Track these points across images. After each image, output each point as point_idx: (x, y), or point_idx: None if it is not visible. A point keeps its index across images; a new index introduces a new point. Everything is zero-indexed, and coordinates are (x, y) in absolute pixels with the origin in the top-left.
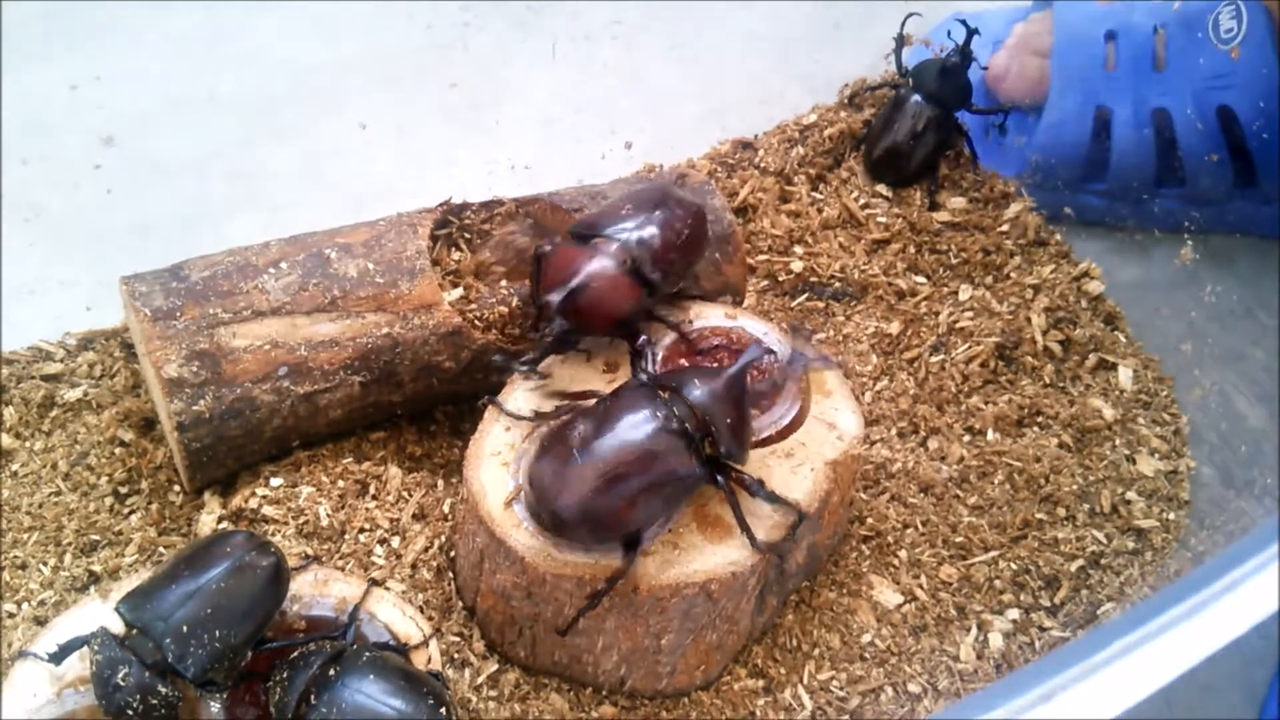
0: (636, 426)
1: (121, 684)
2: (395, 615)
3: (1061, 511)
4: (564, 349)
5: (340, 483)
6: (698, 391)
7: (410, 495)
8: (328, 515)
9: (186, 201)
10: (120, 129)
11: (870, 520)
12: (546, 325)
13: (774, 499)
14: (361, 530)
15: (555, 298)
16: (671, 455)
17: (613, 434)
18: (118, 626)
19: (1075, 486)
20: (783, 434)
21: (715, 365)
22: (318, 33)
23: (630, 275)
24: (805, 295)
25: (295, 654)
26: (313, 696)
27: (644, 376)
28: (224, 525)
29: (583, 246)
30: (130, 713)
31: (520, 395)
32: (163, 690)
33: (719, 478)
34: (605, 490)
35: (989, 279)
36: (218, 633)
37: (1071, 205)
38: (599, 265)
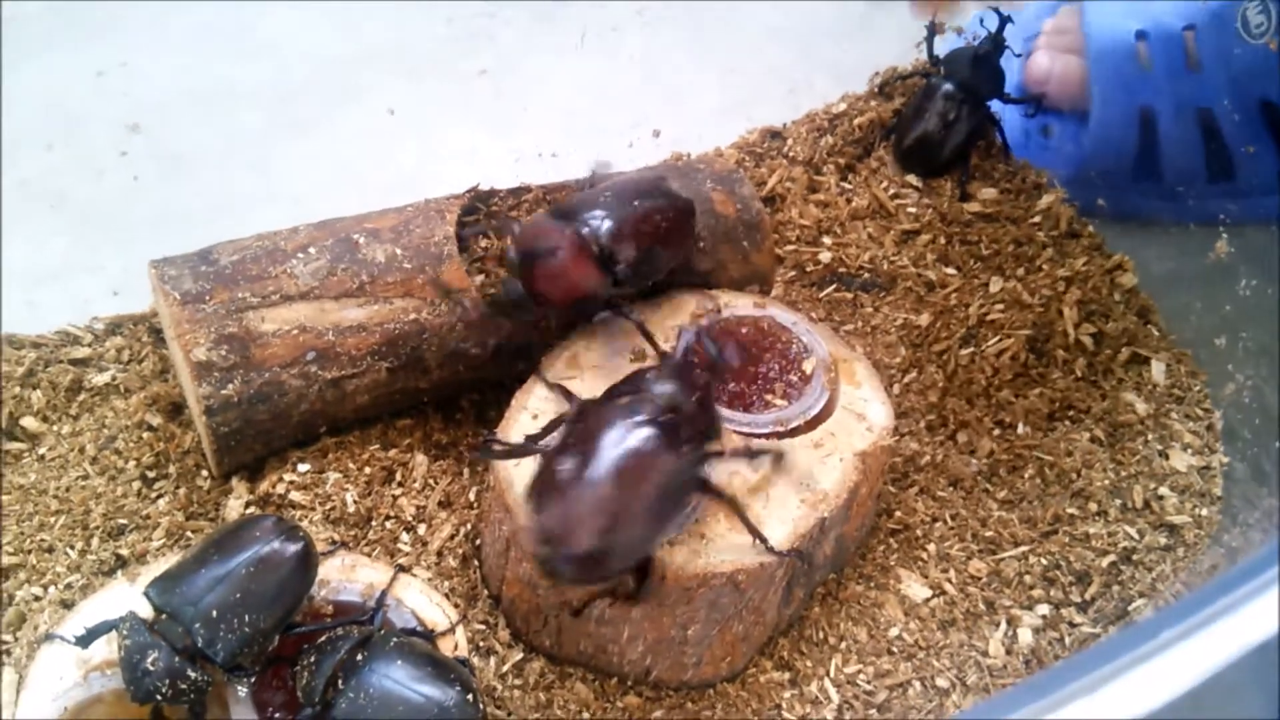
0: (621, 442)
1: (151, 669)
2: (422, 601)
3: (1093, 506)
4: (519, 314)
5: (367, 469)
6: (660, 385)
7: (436, 483)
8: (354, 502)
9: (211, 190)
10: (146, 117)
11: (898, 513)
12: (505, 283)
13: (754, 453)
14: (388, 517)
15: (513, 257)
16: (663, 456)
17: (600, 459)
18: (146, 611)
19: (1107, 481)
20: (811, 424)
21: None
22: (342, 23)
23: (592, 258)
24: (833, 286)
25: (323, 639)
26: (340, 681)
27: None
28: (251, 510)
29: (555, 222)
30: (159, 697)
31: (542, 390)
32: (192, 675)
33: (717, 486)
34: (617, 518)
35: (1020, 271)
36: (247, 618)
37: (1110, 200)
38: (561, 241)
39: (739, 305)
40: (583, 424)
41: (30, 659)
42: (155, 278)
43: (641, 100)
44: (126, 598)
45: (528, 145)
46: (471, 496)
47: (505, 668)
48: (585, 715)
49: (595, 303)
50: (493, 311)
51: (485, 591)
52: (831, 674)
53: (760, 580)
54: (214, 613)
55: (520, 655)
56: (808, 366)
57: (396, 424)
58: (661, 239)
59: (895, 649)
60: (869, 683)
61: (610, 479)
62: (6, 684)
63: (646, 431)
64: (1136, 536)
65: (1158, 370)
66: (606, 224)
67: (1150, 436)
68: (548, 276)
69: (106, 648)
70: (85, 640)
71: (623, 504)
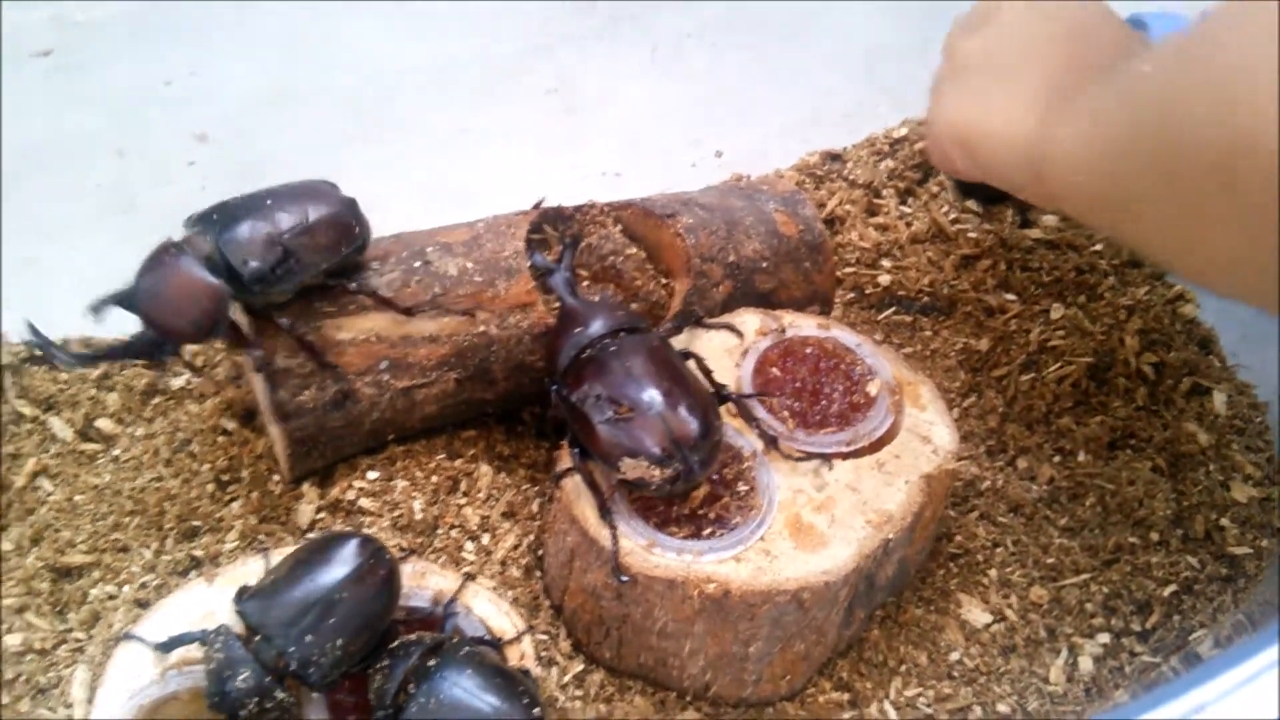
0: (643, 346)
1: (241, 686)
2: (491, 610)
3: (1154, 536)
4: (155, 356)
5: (434, 478)
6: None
7: (500, 494)
8: (422, 510)
9: None
10: (214, 126)
11: (958, 538)
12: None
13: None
14: (453, 526)
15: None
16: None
17: (632, 369)
18: (227, 617)
19: (1168, 511)
20: (876, 446)
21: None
22: (408, 37)
23: (209, 271)
24: (892, 309)
25: (396, 644)
26: (411, 686)
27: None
28: (322, 515)
29: (167, 245)
30: (243, 713)
31: None
32: (279, 696)
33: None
34: (684, 399)
35: (1082, 298)
36: (339, 641)
37: None
38: (165, 258)
39: (803, 325)
40: (595, 370)
41: (105, 657)
42: None
43: (702, 121)
44: (204, 598)
45: (588, 164)
46: (534, 508)
47: (566, 679)
48: None
49: (224, 316)
50: (123, 357)
51: (547, 602)
52: (891, 696)
53: (824, 599)
54: (308, 637)
55: (581, 667)
56: (872, 388)
57: (461, 435)
58: (305, 234)
59: (956, 673)
60: (929, 706)
61: (653, 377)
62: (79, 682)
63: (636, 336)
64: (1198, 567)
65: (1219, 401)
66: (231, 229)
67: (1212, 467)
68: (164, 312)
69: (183, 648)
70: (168, 647)
71: (675, 383)
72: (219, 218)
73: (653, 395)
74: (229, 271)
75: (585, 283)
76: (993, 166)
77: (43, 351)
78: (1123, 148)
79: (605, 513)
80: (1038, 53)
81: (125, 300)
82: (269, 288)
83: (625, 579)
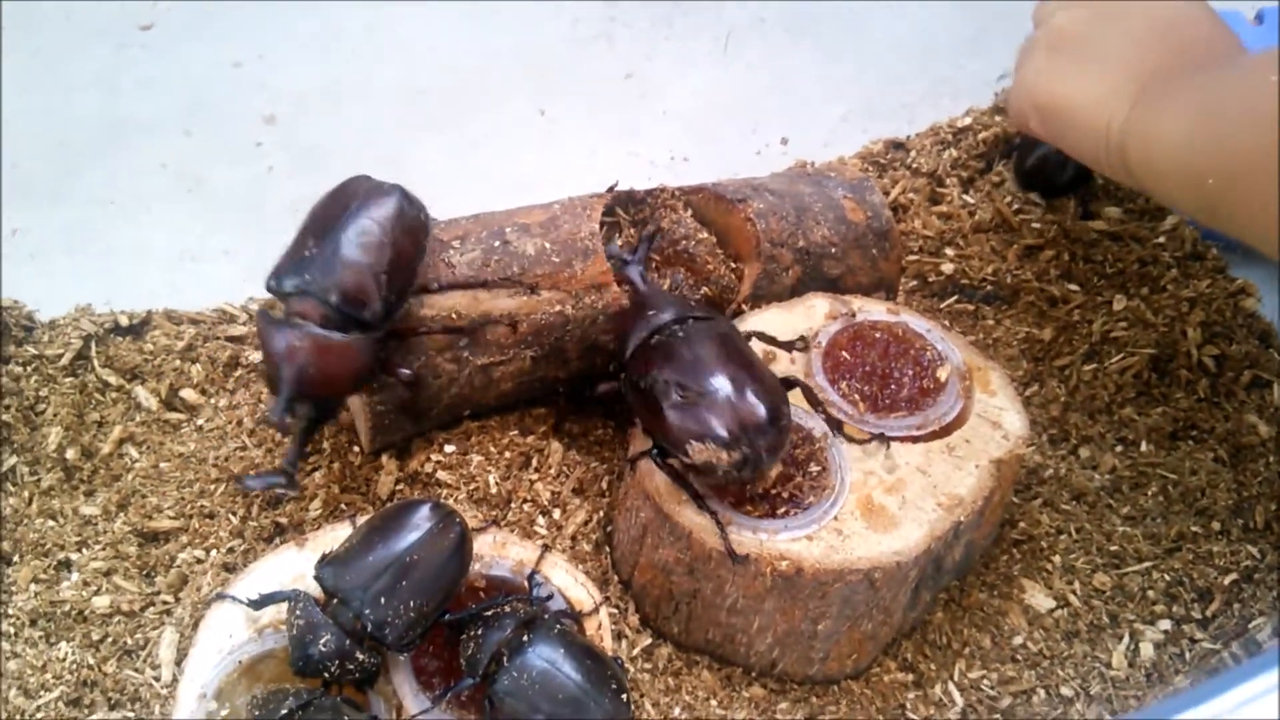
0: (711, 333)
1: (323, 649)
2: (568, 581)
3: (1215, 525)
4: (320, 426)
5: (507, 454)
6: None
7: (570, 470)
8: (496, 484)
9: None
10: (280, 109)
11: (1022, 524)
12: (288, 421)
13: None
14: (525, 500)
15: (277, 396)
16: (723, 324)
17: (701, 355)
18: (311, 584)
19: (1230, 501)
20: (945, 430)
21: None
22: (470, 27)
23: (339, 332)
24: (954, 297)
25: (490, 613)
26: (505, 658)
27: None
28: (401, 487)
29: (275, 322)
30: (327, 675)
31: None
32: (360, 657)
33: None
34: (751, 384)
35: (1144, 290)
36: (413, 603)
37: None
38: (299, 338)
39: (873, 310)
40: (663, 356)
41: (193, 619)
42: None
43: (767, 108)
44: (295, 562)
45: (650, 150)
46: (604, 485)
47: (636, 651)
48: (712, 702)
49: (372, 366)
50: (301, 449)
51: (616, 577)
52: (955, 678)
53: (895, 579)
54: (382, 599)
55: (649, 640)
56: (942, 373)
57: (532, 412)
58: (399, 252)
59: (1019, 657)
60: (993, 688)
61: (721, 362)
62: (167, 643)
63: (705, 323)
64: (1258, 556)
65: (1279, 393)
66: (330, 279)
67: (1272, 459)
68: (315, 383)
69: (276, 609)
70: (258, 604)
71: (743, 369)
72: (312, 275)
73: (720, 380)
74: (348, 321)
75: (656, 266)
76: (1068, 138)
77: (286, 484)
78: (1238, 144)
79: (701, 503)
80: (1133, 41)
81: (288, 401)
82: (388, 319)
83: (740, 559)
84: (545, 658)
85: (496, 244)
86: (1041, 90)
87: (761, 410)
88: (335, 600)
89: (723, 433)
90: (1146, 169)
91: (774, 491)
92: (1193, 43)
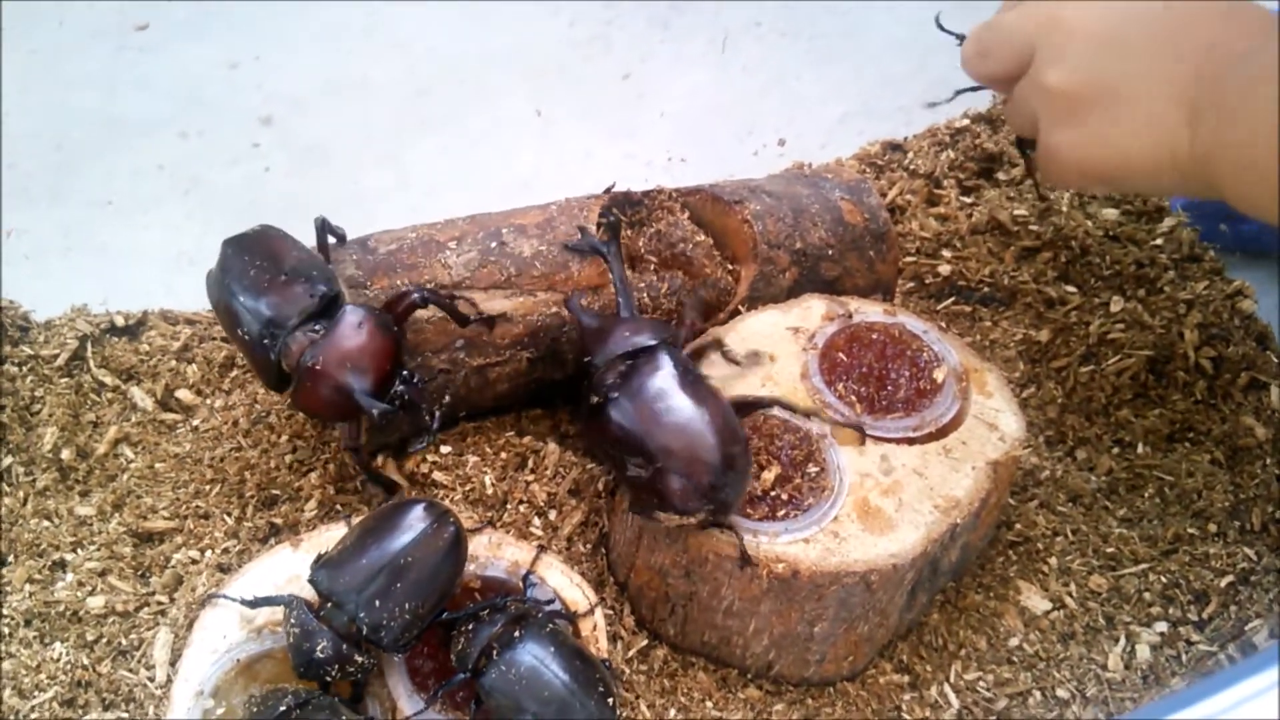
0: (652, 376)
1: (320, 655)
2: (564, 582)
3: (1212, 527)
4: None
5: (503, 455)
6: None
7: (566, 472)
8: (492, 485)
9: (340, 182)
10: (277, 110)
11: (1018, 526)
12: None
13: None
14: (521, 501)
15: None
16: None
17: (646, 413)
18: (311, 594)
19: (1226, 503)
20: (942, 432)
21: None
22: (467, 28)
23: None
24: (951, 299)
25: (482, 609)
26: (494, 652)
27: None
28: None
29: (315, 329)
30: (328, 679)
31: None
32: (359, 659)
33: None
34: (704, 436)
35: (1141, 292)
36: (408, 604)
37: (1232, 227)
38: (348, 329)
39: (869, 311)
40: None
41: (187, 619)
42: None
43: (764, 109)
44: (290, 563)
45: (656, 149)
46: (600, 486)
47: (631, 653)
48: (708, 704)
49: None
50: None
51: (612, 579)
52: (951, 679)
53: (891, 581)
54: (377, 602)
55: (645, 642)
56: (938, 375)
57: (528, 414)
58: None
59: (1015, 658)
60: (989, 690)
61: (669, 417)
62: (161, 643)
63: (647, 363)
64: (1255, 558)
65: (1276, 395)
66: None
67: (1269, 461)
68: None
69: (272, 609)
70: (253, 604)
71: (693, 420)
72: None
73: (671, 439)
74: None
75: (654, 268)
76: (1139, 188)
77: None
78: None
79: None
80: (1149, 65)
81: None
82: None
83: (751, 563)
84: (535, 655)
85: (493, 245)
86: (1086, 163)
87: (717, 461)
88: (330, 604)
89: (681, 505)
90: (1253, 181)
91: (773, 493)
92: (1211, 31)
